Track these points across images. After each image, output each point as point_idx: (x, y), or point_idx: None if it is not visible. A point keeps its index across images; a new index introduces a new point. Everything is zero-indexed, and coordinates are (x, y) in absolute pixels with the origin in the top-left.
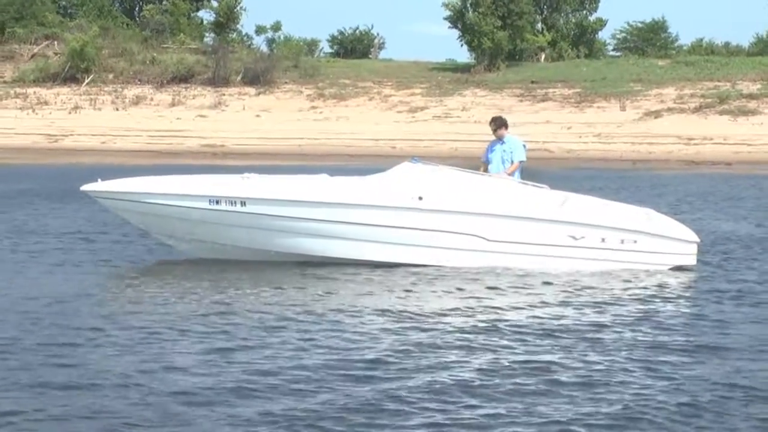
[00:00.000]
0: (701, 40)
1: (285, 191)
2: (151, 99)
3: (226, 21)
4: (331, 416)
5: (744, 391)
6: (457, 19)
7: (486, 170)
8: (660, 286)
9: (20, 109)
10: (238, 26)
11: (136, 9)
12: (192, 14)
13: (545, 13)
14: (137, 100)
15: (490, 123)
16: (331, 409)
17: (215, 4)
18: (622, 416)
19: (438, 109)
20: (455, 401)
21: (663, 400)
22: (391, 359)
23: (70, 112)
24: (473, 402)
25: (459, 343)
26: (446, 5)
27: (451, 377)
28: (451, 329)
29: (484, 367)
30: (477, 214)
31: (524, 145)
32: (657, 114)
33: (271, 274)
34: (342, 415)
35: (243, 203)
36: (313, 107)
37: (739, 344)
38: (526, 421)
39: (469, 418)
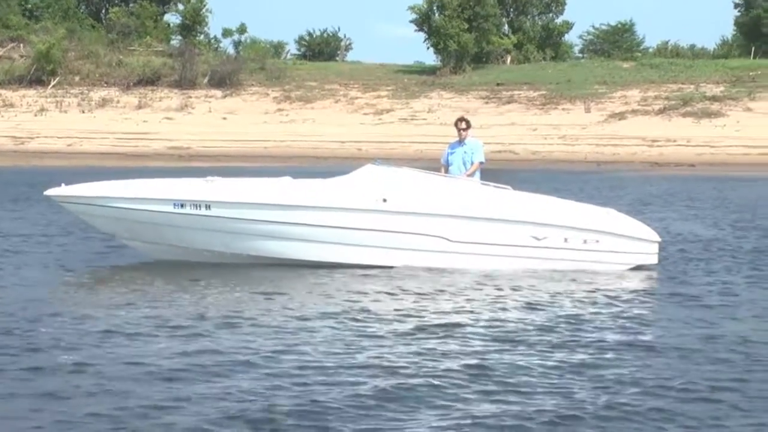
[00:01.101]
0: (667, 42)
1: (249, 194)
2: (118, 101)
3: (192, 23)
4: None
5: (681, 392)
6: (423, 21)
7: (446, 172)
8: (619, 285)
9: None
10: (204, 29)
11: (103, 11)
12: (158, 17)
13: (512, 15)
14: (103, 103)
15: (460, 122)
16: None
17: (181, 7)
18: (555, 416)
19: (404, 111)
20: (384, 405)
21: (593, 401)
22: (326, 362)
23: (36, 115)
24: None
25: (400, 344)
26: (412, 8)
27: (385, 382)
28: (398, 331)
29: (425, 370)
30: (440, 216)
31: (482, 145)
32: (621, 116)
33: (230, 276)
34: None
35: (208, 206)
36: (280, 109)
37: (681, 344)
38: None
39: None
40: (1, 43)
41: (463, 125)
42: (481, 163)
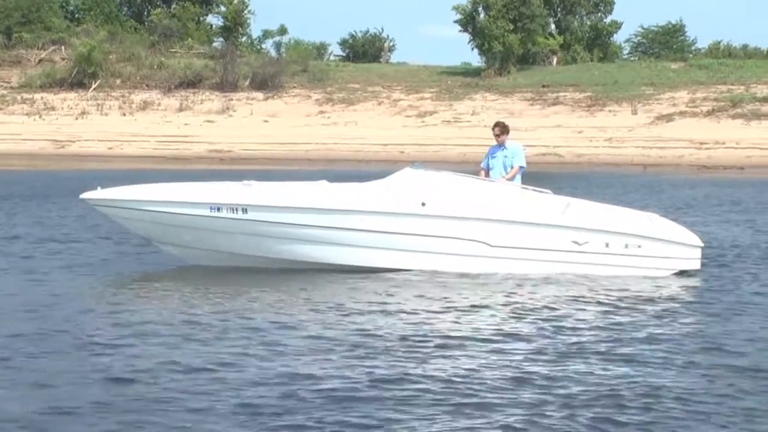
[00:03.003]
0: (719, 42)
1: (286, 198)
2: (159, 104)
3: (234, 25)
4: None
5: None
6: (467, 22)
7: (486, 176)
8: (660, 291)
9: (27, 114)
10: (247, 30)
11: (145, 13)
12: (200, 19)
13: (559, 15)
14: (144, 106)
15: (494, 127)
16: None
17: (223, 8)
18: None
19: (447, 113)
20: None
21: (636, 409)
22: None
23: (76, 118)
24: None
25: (435, 346)
26: (456, 8)
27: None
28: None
29: (462, 369)
30: (480, 220)
31: (523, 149)
32: (669, 118)
33: (265, 280)
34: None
35: (244, 210)
36: (322, 112)
37: (724, 352)
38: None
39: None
40: (43, 46)
41: (497, 131)
42: (521, 167)
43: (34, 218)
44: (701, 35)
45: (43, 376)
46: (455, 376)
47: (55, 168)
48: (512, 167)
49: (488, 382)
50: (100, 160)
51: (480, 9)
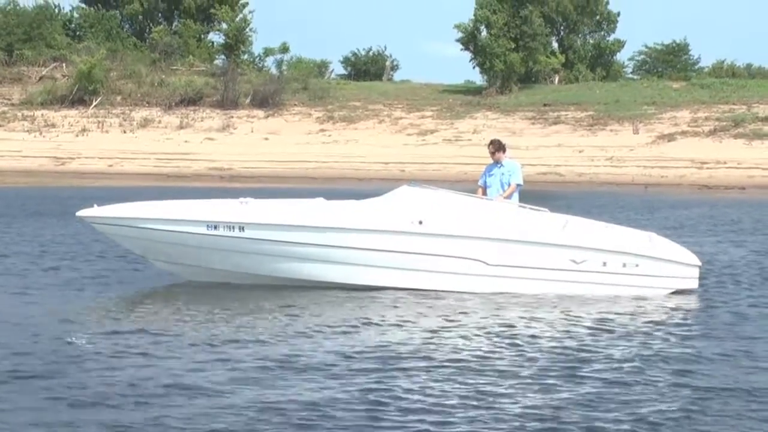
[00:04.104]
0: (722, 61)
1: (284, 216)
2: (159, 121)
3: (236, 43)
4: None
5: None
6: (468, 40)
7: (483, 193)
8: (658, 310)
9: (27, 131)
10: (248, 48)
11: (146, 31)
12: (202, 36)
13: (562, 34)
14: (145, 123)
15: (489, 145)
16: None
17: (225, 26)
18: None
19: (448, 131)
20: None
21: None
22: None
23: (77, 135)
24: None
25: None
26: (458, 27)
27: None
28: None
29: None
30: (478, 238)
31: (520, 167)
32: (670, 137)
33: (253, 298)
34: None
35: (241, 228)
36: (322, 130)
37: (718, 372)
38: None
39: None
40: (44, 63)
41: (491, 148)
42: (518, 185)
43: (30, 235)
44: (706, 54)
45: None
46: (433, 396)
47: (54, 185)
48: (509, 185)
49: (466, 399)
50: (100, 177)
51: (482, 27)
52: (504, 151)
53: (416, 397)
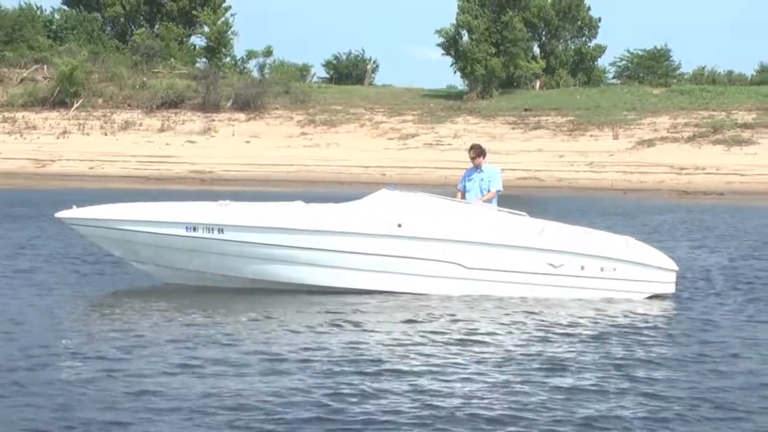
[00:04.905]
0: (703, 68)
1: (263, 218)
2: (140, 124)
3: (218, 46)
4: None
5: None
6: (450, 45)
7: (462, 198)
8: (634, 314)
9: (8, 133)
10: (230, 51)
11: (128, 33)
12: (183, 39)
13: (543, 39)
14: (126, 125)
15: (469, 150)
16: None
17: (206, 29)
18: None
19: (429, 136)
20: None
21: None
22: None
23: (58, 137)
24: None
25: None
26: (439, 32)
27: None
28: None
29: (432, 396)
30: (456, 242)
31: (500, 173)
32: (650, 143)
33: (231, 300)
34: None
35: (221, 230)
36: (304, 133)
37: (692, 377)
38: None
39: None
40: (25, 65)
41: (472, 153)
42: (498, 191)
43: (6, 237)
44: (687, 61)
45: None
46: (414, 396)
47: (35, 187)
48: (489, 191)
49: (437, 406)
50: (81, 179)
51: (463, 32)
52: (484, 156)
53: (380, 401)
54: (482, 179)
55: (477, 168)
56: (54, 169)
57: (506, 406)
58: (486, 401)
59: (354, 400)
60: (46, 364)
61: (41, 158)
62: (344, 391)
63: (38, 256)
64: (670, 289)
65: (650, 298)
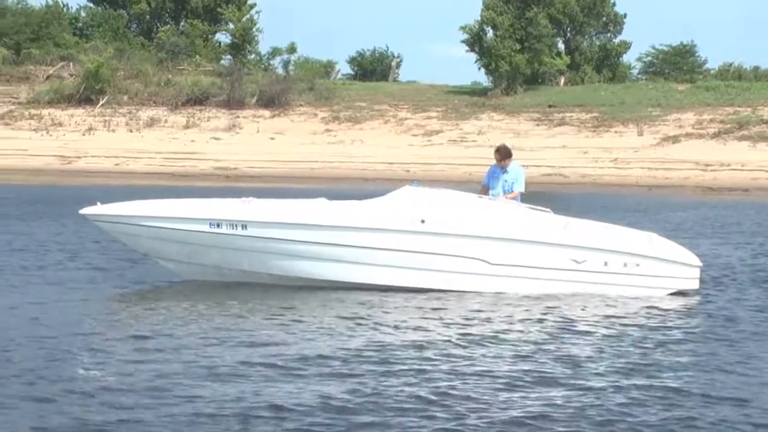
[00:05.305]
0: (729, 64)
1: (287, 214)
2: (166, 121)
3: (242, 43)
4: None
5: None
6: (474, 42)
7: (486, 193)
8: (657, 310)
9: (34, 130)
10: (255, 48)
11: (153, 30)
12: (208, 36)
13: (568, 35)
14: (151, 122)
15: (496, 153)
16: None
17: (231, 26)
18: None
19: (453, 132)
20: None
21: None
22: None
23: (84, 134)
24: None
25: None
26: (463, 28)
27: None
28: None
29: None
30: (480, 238)
31: (524, 173)
32: (675, 139)
33: (260, 296)
34: None
35: (244, 226)
36: (328, 130)
37: (715, 378)
38: None
39: None
40: (51, 62)
41: (498, 156)
42: (520, 193)
43: (33, 233)
44: (713, 57)
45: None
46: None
47: (60, 183)
48: (512, 191)
49: (452, 402)
50: (106, 176)
51: (487, 29)
52: (510, 158)
53: (406, 397)
54: (505, 181)
55: (503, 168)
56: (79, 165)
57: (525, 404)
58: (503, 399)
59: (371, 399)
60: (67, 360)
61: (67, 155)
62: (358, 390)
63: (62, 252)
64: (694, 285)
65: (674, 294)
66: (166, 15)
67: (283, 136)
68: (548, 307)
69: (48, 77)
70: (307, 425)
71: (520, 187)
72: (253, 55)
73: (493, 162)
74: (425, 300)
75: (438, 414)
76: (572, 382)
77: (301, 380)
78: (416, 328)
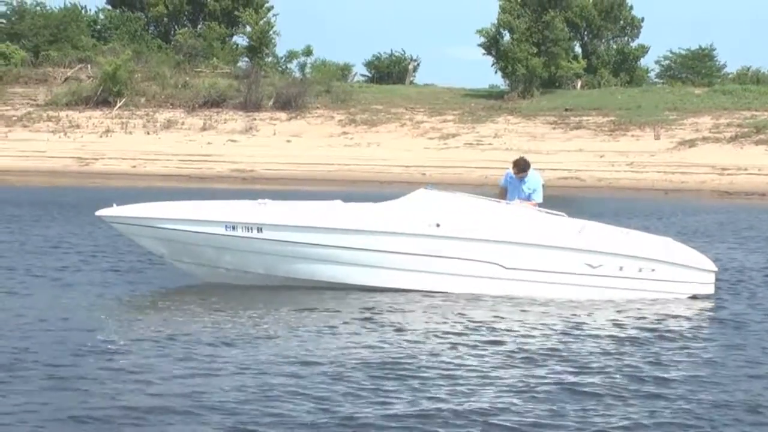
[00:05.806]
0: (748, 68)
1: (301, 217)
2: (183, 123)
3: (259, 45)
4: None
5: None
6: (491, 45)
7: (503, 195)
8: (673, 315)
9: (52, 132)
10: (272, 50)
11: (171, 33)
12: (226, 39)
13: (585, 39)
14: (168, 124)
15: (513, 166)
16: None
17: (249, 29)
18: None
19: (470, 135)
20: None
21: None
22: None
23: (101, 136)
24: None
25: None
26: (480, 31)
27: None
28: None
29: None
30: (495, 242)
31: (543, 185)
32: (691, 143)
33: (275, 298)
34: None
35: (259, 229)
36: (344, 133)
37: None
38: None
39: None
40: (69, 64)
41: (515, 170)
42: (538, 204)
43: (47, 235)
44: (733, 61)
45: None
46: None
47: (78, 185)
48: (529, 200)
49: (464, 405)
50: (123, 178)
51: (504, 32)
52: (528, 169)
53: (415, 400)
54: (522, 191)
55: (521, 179)
56: (97, 167)
57: (537, 409)
58: (512, 403)
59: (379, 401)
60: (85, 359)
61: (85, 157)
62: (368, 392)
63: (78, 253)
64: (709, 290)
65: (689, 298)
66: (184, 18)
67: (300, 139)
68: (560, 312)
69: (66, 79)
70: (323, 425)
71: (538, 198)
72: (270, 58)
73: (510, 166)
74: (438, 303)
75: (445, 416)
76: (583, 387)
77: (313, 381)
78: (427, 332)
